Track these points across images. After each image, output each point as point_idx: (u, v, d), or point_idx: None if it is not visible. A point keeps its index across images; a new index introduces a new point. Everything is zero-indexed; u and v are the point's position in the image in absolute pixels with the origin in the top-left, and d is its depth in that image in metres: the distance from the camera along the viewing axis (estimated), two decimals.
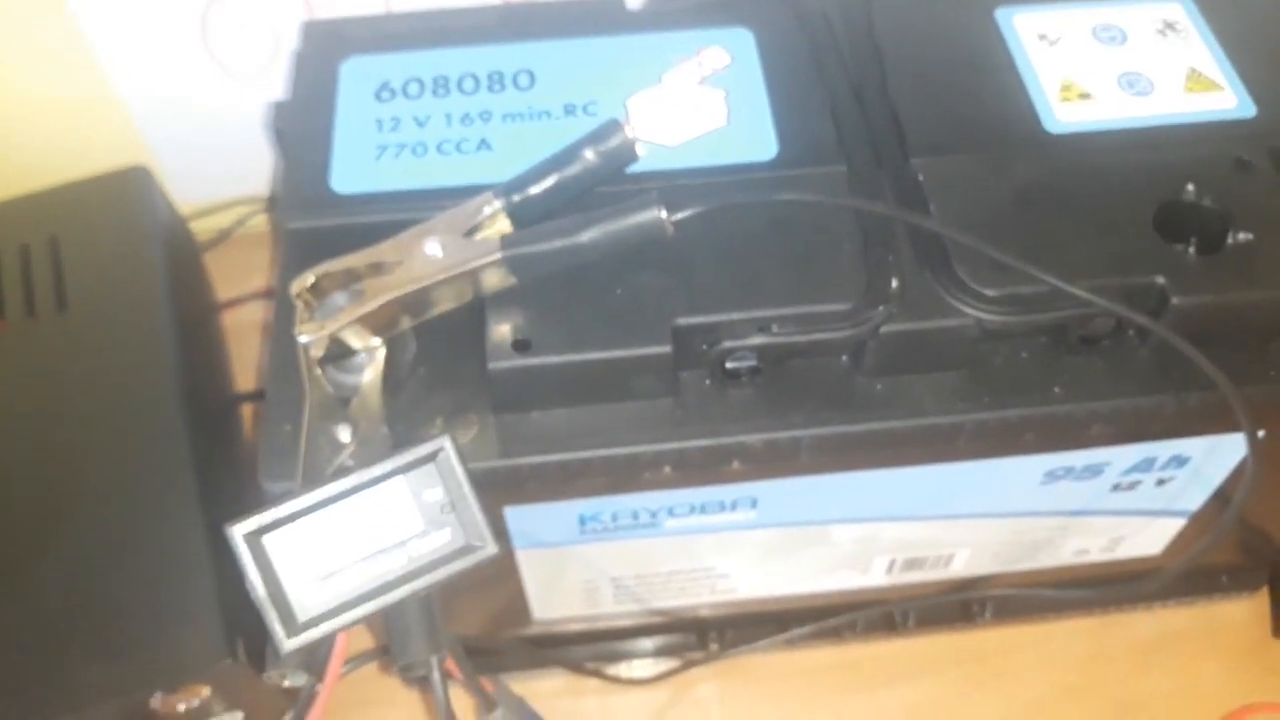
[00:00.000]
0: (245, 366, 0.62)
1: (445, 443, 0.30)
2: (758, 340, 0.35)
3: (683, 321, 0.35)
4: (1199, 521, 0.47)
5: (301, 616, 0.28)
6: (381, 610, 0.29)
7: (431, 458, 0.30)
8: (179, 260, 0.58)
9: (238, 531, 0.28)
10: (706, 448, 0.37)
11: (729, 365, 0.36)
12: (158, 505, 0.45)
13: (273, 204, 0.66)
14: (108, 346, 0.50)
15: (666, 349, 0.35)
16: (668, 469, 0.37)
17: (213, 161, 0.65)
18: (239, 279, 0.66)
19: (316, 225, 0.39)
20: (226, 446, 0.54)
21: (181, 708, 0.43)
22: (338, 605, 0.29)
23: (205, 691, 0.43)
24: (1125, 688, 0.53)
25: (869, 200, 0.38)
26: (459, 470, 0.30)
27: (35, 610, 0.43)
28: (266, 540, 0.28)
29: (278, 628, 0.28)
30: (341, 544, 0.29)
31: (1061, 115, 0.41)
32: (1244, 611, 0.55)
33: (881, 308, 0.36)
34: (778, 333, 0.35)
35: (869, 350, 0.36)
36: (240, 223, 0.69)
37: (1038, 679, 0.53)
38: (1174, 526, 0.48)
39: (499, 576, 0.44)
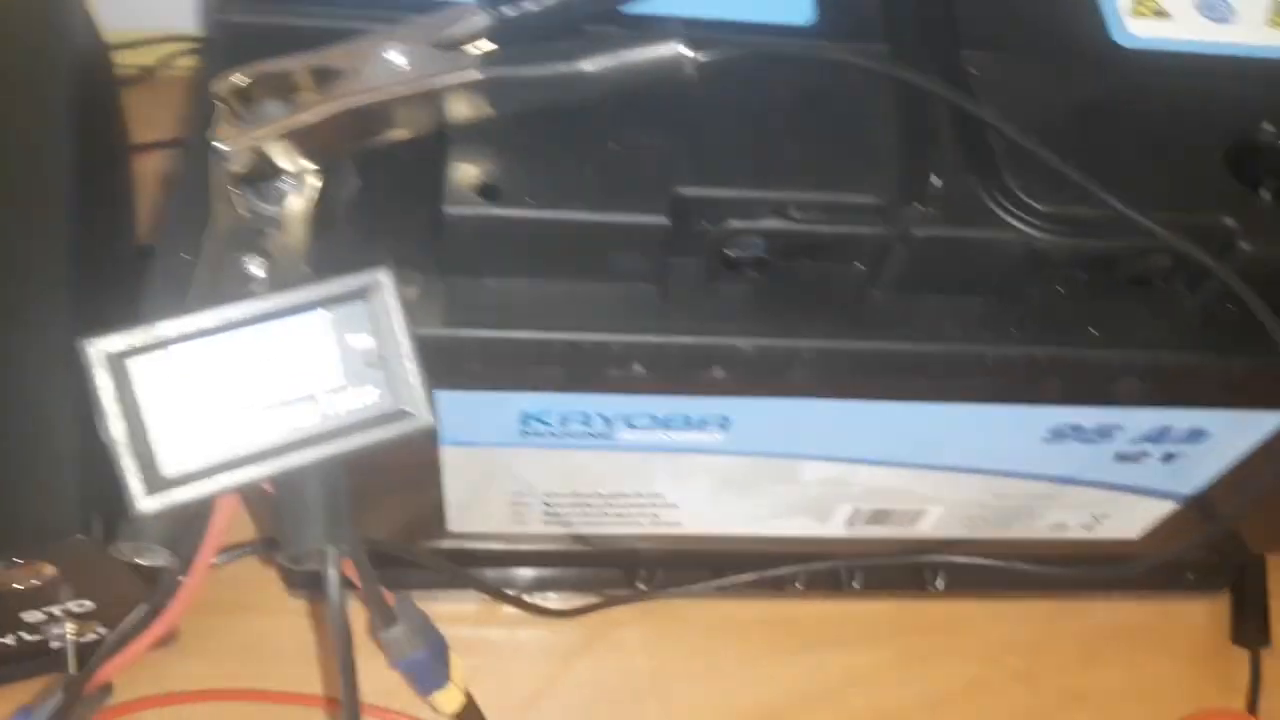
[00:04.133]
0: (152, 219, 0.55)
1: (382, 276, 0.23)
2: (770, 224, 0.30)
3: (686, 192, 0.29)
4: (1189, 508, 0.43)
5: (168, 470, 0.22)
6: (275, 476, 0.23)
7: (363, 294, 0.23)
8: (92, 88, 0.50)
9: (96, 349, 0.21)
10: (689, 347, 0.31)
11: (729, 253, 0.31)
12: (22, 359, 0.38)
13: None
14: None
15: (663, 220, 0.29)
16: (638, 367, 0.31)
17: None
18: (157, 123, 0.58)
19: (254, 21, 0.32)
20: (122, 301, 0.47)
21: (18, 587, 0.37)
22: (219, 463, 0.22)
23: (50, 571, 0.36)
24: (1073, 678, 0.50)
25: (925, 76, 0.32)
26: (396, 314, 0.23)
27: None
28: (133, 366, 0.22)
29: (134, 479, 0.21)
30: (234, 386, 0.22)
31: (1133, 29, 0.36)
32: (1202, 613, 0.52)
33: (918, 207, 0.30)
34: (796, 219, 0.30)
35: (894, 256, 0.31)
36: (166, 62, 0.61)
37: (982, 659, 0.50)
38: (1161, 510, 0.44)
39: (416, 474, 0.37)
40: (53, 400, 0.37)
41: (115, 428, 0.21)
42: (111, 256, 0.47)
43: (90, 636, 0.41)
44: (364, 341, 0.23)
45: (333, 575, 0.24)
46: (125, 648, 0.31)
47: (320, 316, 0.23)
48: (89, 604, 0.39)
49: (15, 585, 0.36)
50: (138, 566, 0.37)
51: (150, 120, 0.58)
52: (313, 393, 0.23)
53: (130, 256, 0.51)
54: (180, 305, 0.27)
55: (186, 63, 0.61)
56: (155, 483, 0.22)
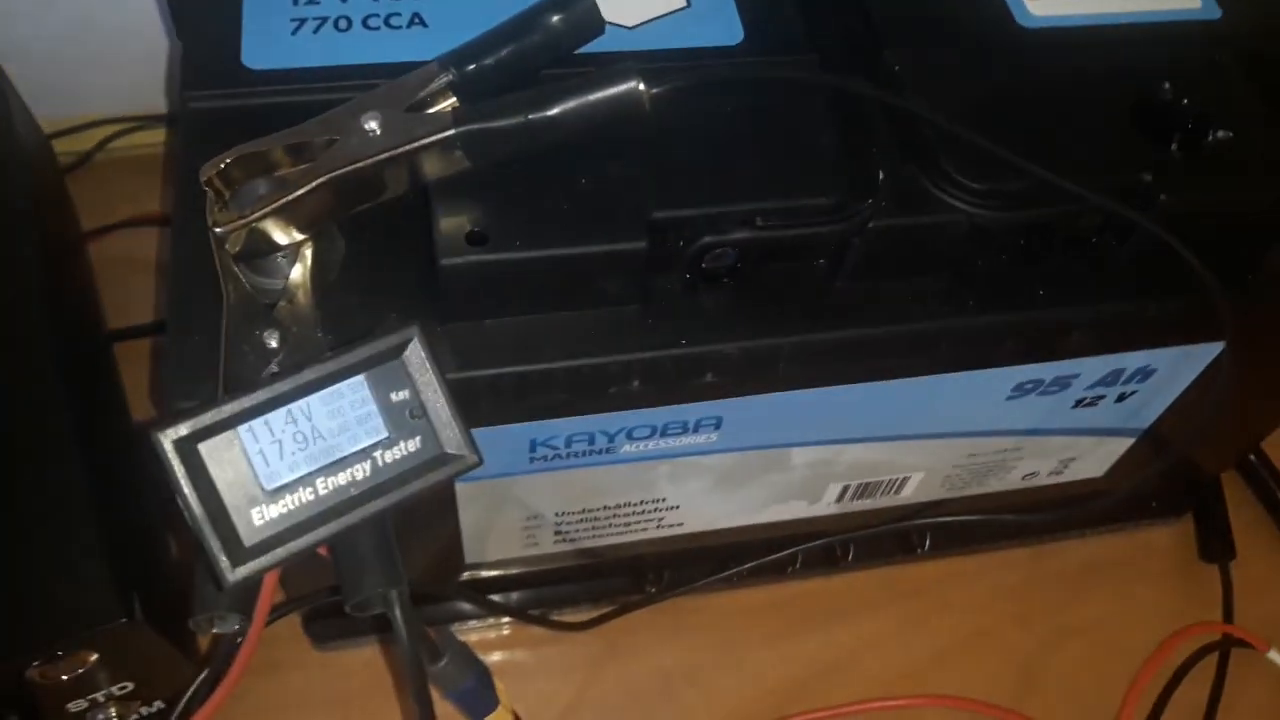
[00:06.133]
0: (111, 303, 0.56)
1: (413, 333, 0.25)
2: (741, 235, 0.32)
3: (660, 215, 0.32)
4: (1145, 441, 0.47)
5: (249, 540, 0.24)
6: (342, 531, 0.24)
7: (397, 352, 0.25)
8: (42, 177, 0.51)
9: (167, 438, 0.23)
10: (680, 357, 0.33)
11: (704, 265, 0.33)
12: (30, 450, 0.39)
13: (171, 84, 0.59)
14: None
15: (641, 245, 0.31)
16: (636, 382, 0.34)
17: (69, 74, 0.58)
18: (102, 208, 0.59)
19: (226, 105, 0.33)
20: (102, 388, 0.48)
21: (63, 678, 0.38)
22: (291, 527, 0.24)
23: (91, 659, 0.37)
24: (1064, 614, 0.53)
25: (860, 82, 0.34)
26: (430, 366, 0.25)
27: None
28: (203, 449, 0.23)
29: (220, 554, 0.23)
30: (292, 454, 0.24)
31: (1034, 10, 0.39)
32: (1171, 537, 0.56)
33: (869, 201, 0.33)
34: (763, 226, 0.32)
35: (853, 249, 0.34)
36: (101, 146, 0.61)
37: (977, 609, 0.53)
38: (1122, 446, 0.47)
39: (433, 514, 0.39)
40: (67, 491, 0.38)
41: (195, 507, 0.23)
42: (85, 341, 0.48)
43: (133, 717, 0.42)
44: (402, 395, 0.25)
45: (399, 615, 0.26)
46: (192, 717, 0.32)
47: (359, 380, 0.25)
48: (129, 685, 0.40)
49: (61, 677, 0.37)
50: (175, 639, 0.39)
51: (96, 204, 0.58)
52: (364, 449, 0.25)
53: (101, 341, 0.52)
54: (209, 386, 0.29)
55: (122, 143, 0.62)
56: (238, 554, 0.23)
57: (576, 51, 0.33)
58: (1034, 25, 0.38)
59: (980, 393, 0.39)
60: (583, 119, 0.30)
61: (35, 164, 0.50)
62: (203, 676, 0.32)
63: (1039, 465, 0.47)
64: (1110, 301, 0.36)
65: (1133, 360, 0.40)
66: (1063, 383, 0.40)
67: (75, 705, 0.40)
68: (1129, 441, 0.46)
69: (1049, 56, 0.38)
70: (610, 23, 0.35)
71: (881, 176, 0.34)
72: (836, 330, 0.34)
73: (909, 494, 0.47)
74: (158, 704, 0.42)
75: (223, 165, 0.30)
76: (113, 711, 0.41)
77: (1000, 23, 0.38)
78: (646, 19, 0.36)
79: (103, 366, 0.49)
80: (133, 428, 0.48)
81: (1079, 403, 0.42)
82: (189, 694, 0.32)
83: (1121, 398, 0.42)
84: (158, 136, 0.61)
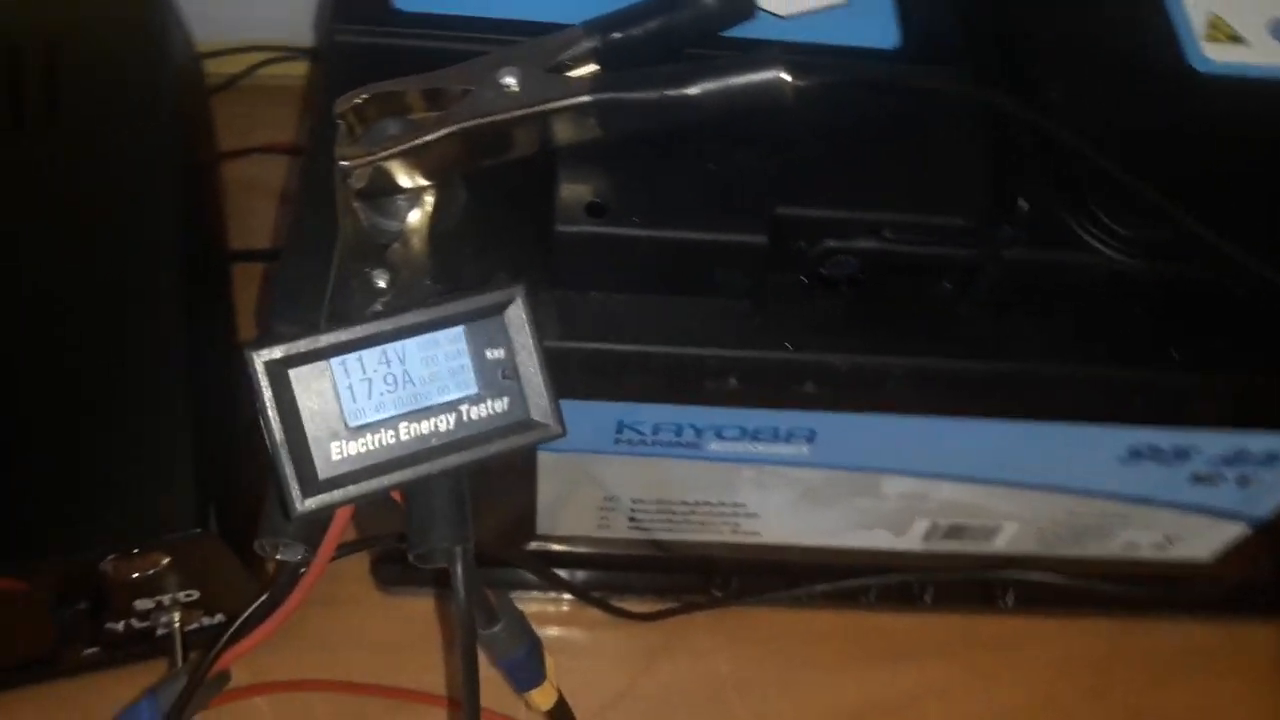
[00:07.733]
0: (234, 224, 0.57)
1: (518, 293, 0.25)
2: (865, 244, 0.31)
3: (785, 212, 0.31)
4: (1261, 532, 0.44)
5: (324, 474, 0.23)
6: (416, 480, 0.24)
7: (499, 309, 0.25)
8: (191, 95, 0.52)
9: (260, 358, 0.23)
10: (783, 362, 0.32)
11: (824, 271, 0.32)
12: (140, 356, 0.40)
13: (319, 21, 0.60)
14: (106, 175, 0.45)
15: (762, 239, 0.30)
16: (734, 380, 0.33)
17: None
18: (241, 131, 0.60)
19: (370, 42, 0.34)
20: (217, 304, 0.49)
21: (135, 575, 0.39)
22: (367, 467, 0.24)
23: (164, 561, 0.38)
24: (1142, 697, 0.50)
25: (1018, 103, 0.33)
26: (529, 329, 0.25)
27: None
28: (294, 375, 0.23)
29: (293, 483, 0.23)
30: (380, 395, 0.24)
31: (1210, 54, 0.36)
32: (1270, 635, 0.52)
33: (1008, 229, 0.31)
34: (890, 239, 0.31)
35: (983, 276, 0.32)
36: (249, 71, 0.63)
37: (1052, 675, 0.50)
38: (1233, 533, 0.44)
39: (512, 479, 0.39)
40: (168, 398, 0.39)
41: (276, 432, 0.23)
42: (208, 258, 0.50)
43: (194, 625, 0.43)
44: (498, 354, 0.25)
45: (461, 573, 0.26)
46: (245, 637, 0.32)
47: (459, 331, 0.25)
48: (195, 593, 0.41)
49: (133, 575, 0.38)
50: (246, 558, 0.39)
51: (235, 127, 0.60)
52: (451, 402, 0.25)
53: (224, 261, 0.53)
54: (313, 315, 0.29)
55: (270, 71, 0.63)
56: (311, 486, 0.23)
57: (723, 34, 0.33)
58: (1209, 70, 0.36)
59: (1092, 449, 0.37)
60: (721, 102, 0.29)
61: (185, 81, 0.52)
62: (261, 600, 0.32)
63: (1142, 536, 0.44)
64: (1248, 374, 0.34)
65: (1261, 442, 0.37)
66: (1181, 454, 0.38)
67: (142, 603, 0.41)
68: (1242, 529, 0.44)
69: (1222, 105, 0.35)
70: (763, 9, 0.34)
71: (1023, 205, 0.32)
72: (954, 359, 0.32)
73: (1000, 543, 0.45)
74: (219, 616, 0.43)
75: (358, 101, 0.30)
76: (175, 616, 0.42)
77: (1171, 62, 0.36)
78: (802, 10, 0.35)
79: (221, 284, 0.51)
80: (236, 347, 0.49)
81: (1196, 478, 0.39)
82: (246, 614, 0.32)
83: (1243, 480, 0.39)
84: (305, 69, 0.62)
